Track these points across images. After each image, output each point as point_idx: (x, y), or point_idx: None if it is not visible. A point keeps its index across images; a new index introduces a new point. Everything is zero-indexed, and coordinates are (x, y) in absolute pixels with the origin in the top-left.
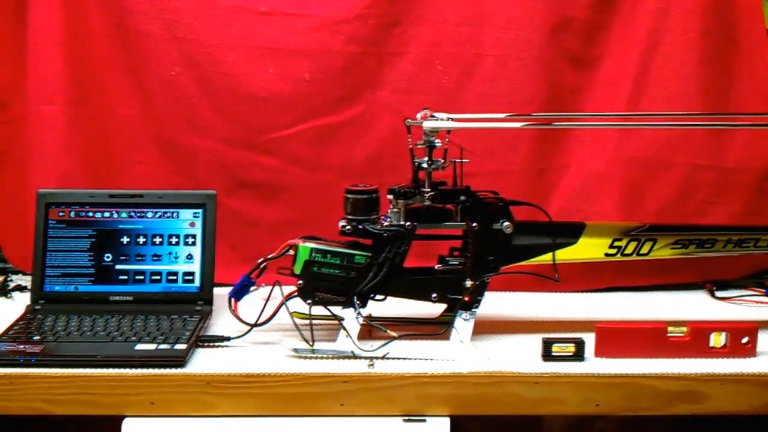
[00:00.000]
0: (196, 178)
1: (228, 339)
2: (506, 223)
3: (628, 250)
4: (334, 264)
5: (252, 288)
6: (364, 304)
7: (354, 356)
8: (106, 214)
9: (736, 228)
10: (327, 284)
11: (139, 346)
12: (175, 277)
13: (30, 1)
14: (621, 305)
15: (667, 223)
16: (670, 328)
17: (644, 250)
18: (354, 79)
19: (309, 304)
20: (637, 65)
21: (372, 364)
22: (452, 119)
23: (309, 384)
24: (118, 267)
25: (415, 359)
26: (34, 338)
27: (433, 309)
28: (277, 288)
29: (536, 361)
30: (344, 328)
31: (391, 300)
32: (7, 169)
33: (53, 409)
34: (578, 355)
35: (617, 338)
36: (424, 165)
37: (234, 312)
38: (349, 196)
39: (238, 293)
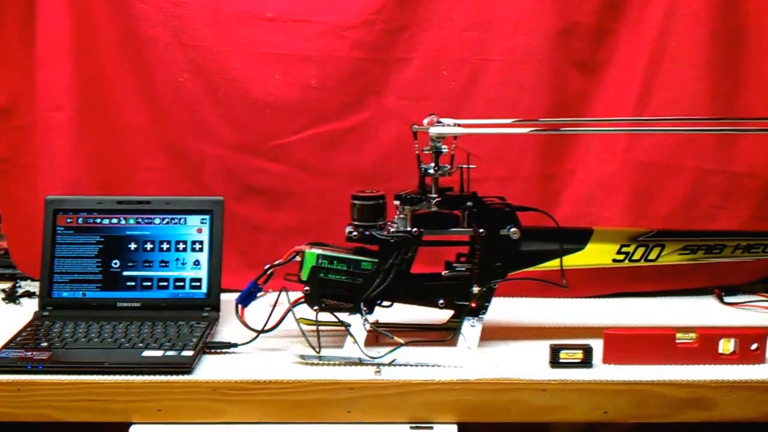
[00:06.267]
0: (203, 184)
1: (235, 345)
2: (513, 229)
3: (636, 256)
4: (341, 270)
5: (259, 294)
6: (370, 311)
7: (361, 363)
8: (114, 221)
9: (744, 233)
10: (334, 290)
11: (146, 353)
12: (182, 284)
13: (39, 9)
14: (629, 311)
15: (675, 229)
16: (678, 335)
17: (652, 255)
18: (361, 85)
19: (316, 310)
20: (644, 70)
21: (379, 371)
22: (459, 125)
23: (316, 391)
24: (125, 273)
25: (422, 366)
26: (42, 345)
27: (440, 315)
28: (284, 294)
29: (544, 367)
30: (351, 335)
31: (397, 306)
32: (16, 176)
33: (60, 416)
34: (586, 362)
35: (625, 345)
36: (431, 171)
37: (241, 318)
38: (356, 202)
39: (245, 299)
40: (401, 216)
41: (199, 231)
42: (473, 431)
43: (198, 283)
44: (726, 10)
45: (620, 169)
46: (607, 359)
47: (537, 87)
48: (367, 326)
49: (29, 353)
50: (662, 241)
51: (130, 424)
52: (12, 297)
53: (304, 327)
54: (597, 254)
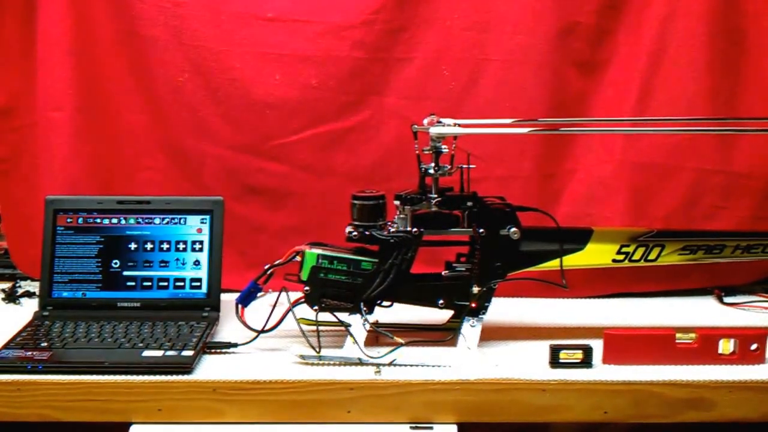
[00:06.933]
0: (203, 184)
1: (235, 345)
2: (513, 229)
3: (636, 256)
4: (341, 270)
5: (259, 294)
6: (370, 311)
7: (361, 363)
8: (114, 221)
9: (744, 234)
10: (334, 290)
11: (147, 353)
12: (182, 284)
13: (39, 9)
14: (629, 311)
15: (675, 229)
16: (678, 335)
17: (652, 255)
18: (361, 84)
19: (316, 310)
20: (643, 70)
21: (379, 371)
22: (459, 125)
23: (316, 391)
24: (125, 273)
25: (422, 366)
26: (42, 345)
27: (440, 315)
28: (284, 294)
29: (544, 367)
30: (351, 335)
31: (397, 306)
32: (16, 176)
33: (61, 415)
34: (586, 362)
35: (625, 345)
36: (431, 171)
37: (241, 318)
38: (356, 202)
39: (245, 299)
40: (401, 216)
41: (199, 231)
42: (473, 431)
43: (198, 283)
44: (726, 10)
45: (620, 169)
46: (606, 359)
47: (537, 87)
48: (367, 326)
49: (29, 353)
50: (662, 242)
51: (130, 424)
52: (12, 297)
53: (304, 327)
54: (597, 254)
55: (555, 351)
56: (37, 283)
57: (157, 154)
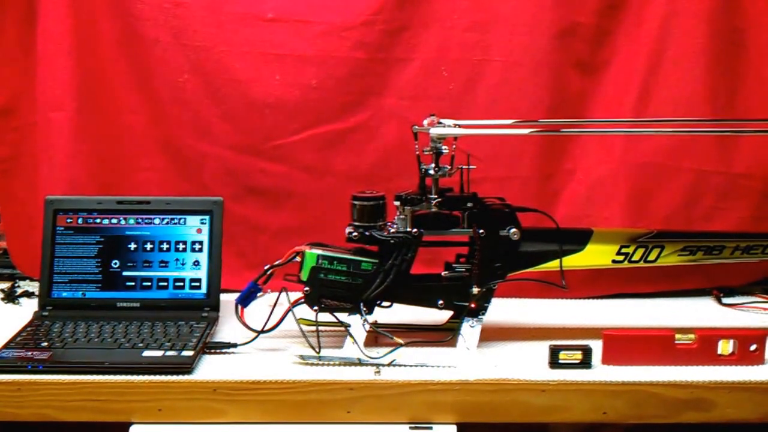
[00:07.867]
0: (203, 184)
1: (235, 345)
2: (513, 230)
3: (636, 257)
4: (341, 270)
5: (259, 294)
6: (370, 311)
7: (360, 363)
8: (114, 221)
9: (743, 235)
10: (333, 291)
11: (147, 353)
12: (182, 284)
13: (40, 9)
14: (628, 312)
15: (674, 230)
16: (677, 336)
17: (652, 256)
18: (361, 85)
19: (315, 310)
20: (643, 71)
21: (378, 371)
22: (459, 126)
23: (315, 391)
24: (125, 273)
25: (422, 366)
26: (42, 345)
27: (439, 316)
28: (283, 294)
29: (543, 368)
30: (351, 335)
31: (397, 307)
32: (16, 176)
33: (61, 415)
34: (585, 363)
35: (624, 345)
36: (431, 171)
37: (241, 318)
38: (356, 202)
39: (245, 300)
40: (401, 216)
41: (199, 231)
42: (472, 431)
43: (198, 284)
44: (726, 10)
45: (619, 169)
46: (606, 360)
47: (537, 87)
48: (367, 326)
49: (30, 353)
50: (662, 243)
51: (130, 424)
52: (11, 297)
53: (304, 327)
54: (596, 255)
55: (554, 351)
56: (36, 283)
57: (157, 154)
